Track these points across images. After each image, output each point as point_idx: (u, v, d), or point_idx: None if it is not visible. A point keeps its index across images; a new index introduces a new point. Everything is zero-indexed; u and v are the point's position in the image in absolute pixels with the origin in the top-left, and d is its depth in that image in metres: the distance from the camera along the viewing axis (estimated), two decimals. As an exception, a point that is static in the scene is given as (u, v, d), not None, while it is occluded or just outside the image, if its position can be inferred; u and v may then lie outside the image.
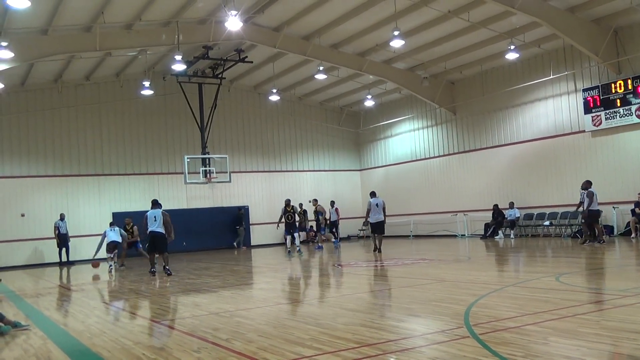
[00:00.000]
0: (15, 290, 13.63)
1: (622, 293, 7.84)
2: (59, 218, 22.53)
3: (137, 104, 25.93)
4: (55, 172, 24.51)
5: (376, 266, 14.75)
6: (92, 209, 24.83)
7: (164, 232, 14.58)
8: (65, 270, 20.27)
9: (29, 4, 13.79)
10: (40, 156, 24.30)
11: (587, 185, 16.86)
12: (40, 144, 24.30)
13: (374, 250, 18.57)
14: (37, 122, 24.28)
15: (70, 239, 22.78)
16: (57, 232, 22.22)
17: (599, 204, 17.01)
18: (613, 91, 19.49)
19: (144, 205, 24.48)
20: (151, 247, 14.82)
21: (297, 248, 20.52)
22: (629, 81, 19.08)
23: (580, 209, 17.25)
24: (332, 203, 26.05)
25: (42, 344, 6.78)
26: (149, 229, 14.60)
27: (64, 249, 22.36)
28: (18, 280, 17.00)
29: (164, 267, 14.68)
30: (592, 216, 16.64)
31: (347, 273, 13.62)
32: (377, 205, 18.30)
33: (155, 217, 14.60)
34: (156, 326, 7.76)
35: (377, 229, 18.50)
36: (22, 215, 23.66)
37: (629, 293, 7.80)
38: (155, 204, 15.07)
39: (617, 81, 19.46)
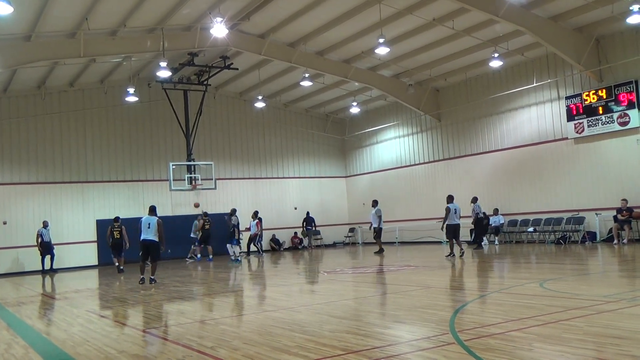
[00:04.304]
0: (-4, 299, 13.45)
1: (605, 299, 7.91)
2: (42, 226, 22.08)
3: (122, 110, 25.76)
4: (38, 179, 24.25)
5: (362, 273, 14.75)
6: (76, 217, 24.59)
7: (157, 240, 14.09)
8: (48, 278, 20.02)
9: (11, 9, 13.63)
10: (23, 163, 24.04)
11: (448, 200, 17.40)
12: (23, 150, 24.04)
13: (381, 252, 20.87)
14: (20, 129, 24.03)
15: (54, 246, 22.36)
16: (40, 240, 21.75)
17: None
18: (595, 99, 19.74)
19: (129, 212, 24.37)
20: (144, 255, 14.27)
21: (237, 257, 20.76)
22: (611, 89, 19.34)
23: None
24: (255, 214, 24.72)
25: (25, 354, 6.69)
26: (144, 237, 14.07)
27: (47, 257, 21.91)
28: (0, 288, 16.77)
29: (150, 276, 14.36)
30: (448, 230, 17.14)
31: (333, 280, 13.61)
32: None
33: (149, 224, 14.06)
34: (140, 334, 7.69)
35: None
36: (4, 222, 23.35)
37: (612, 299, 7.88)
38: (152, 210, 14.42)
39: (599, 89, 19.71)
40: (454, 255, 16.66)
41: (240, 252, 21.79)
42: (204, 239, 22.83)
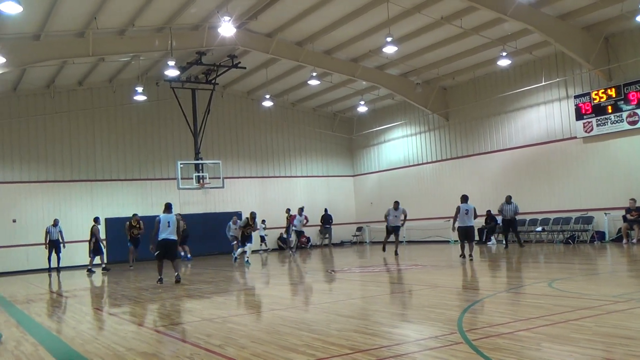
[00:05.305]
0: (6, 297, 13.54)
1: (614, 299, 7.87)
2: (51, 224, 21.77)
3: (130, 109, 25.88)
4: (47, 177, 24.41)
5: (369, 272, 14.74)
6: (85, 215, 24.63)
7: (176, 238, 13.72)
8: (55, 276, 20.03)
9: (21, 9, 13.72)
10: (33, 162, 24.19)
11: (461, 200, 16.34)
12: (33, 149, 24.20)
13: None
14: (30, 128, 24.19)
15: (65, 244, 22.04)
16: (47, 237, 21.51)
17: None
18: (604, 98, 19.63)
19: (137, 211, 24.40)
20: (162, 254, 13.74)
21: (246, 259, 19.67)
22: (620, 88, 19.22)
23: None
24: (301, 209, 23.98)
25: (34, 351, 6.73)
26: (162, 236, 13.52)
27: (55, 256, 21.65)
28: (9, 286, 16.89)
29: (176, 274, 13.81)
30: (459, 232, 16.06)
31: (340, 279, 13.61)
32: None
33: (169, 222, 13.56)
34: (149, 332, 7.72)
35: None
36: (14, 221, 23.51)
37: (621, 299, 7.83)
38: (169, 208, 13.89)
39: (608, 88, 19.59)
40: (464, 256, 15.86)
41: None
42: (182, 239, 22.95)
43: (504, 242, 20.72)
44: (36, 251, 23.02)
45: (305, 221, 23.87)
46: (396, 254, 19.07)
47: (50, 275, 20.32)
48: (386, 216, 19.57)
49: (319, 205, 29.18)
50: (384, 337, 6.38)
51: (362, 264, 17.88)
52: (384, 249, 20.04)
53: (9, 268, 22.90)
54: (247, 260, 19.49)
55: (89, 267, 20.66)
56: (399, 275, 13.44)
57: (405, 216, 19.58)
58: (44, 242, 21.57)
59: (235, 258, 20.25)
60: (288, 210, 25.20)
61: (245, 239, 19.58)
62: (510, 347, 5.39)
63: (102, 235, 24.69)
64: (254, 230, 19.90)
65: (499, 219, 21.98)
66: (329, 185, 30.89)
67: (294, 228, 23.95)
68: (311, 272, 16.36)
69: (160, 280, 13.88)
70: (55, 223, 21.46)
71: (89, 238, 20.76)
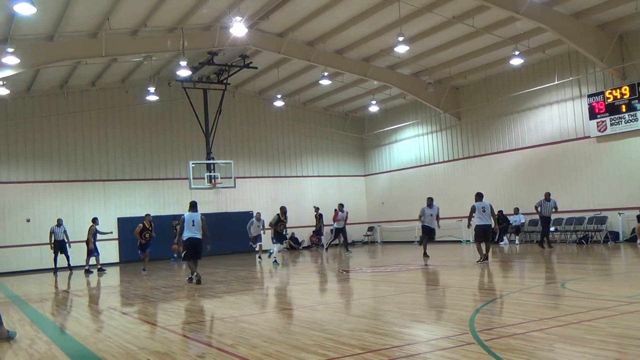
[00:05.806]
0: (20, 295, 13.66)
1: (628, 300, 7.81)
2: (55, 224, 21.24)
3: (143, 109, 26.03)
4: (60, 177, 24.60)
5: (381, 272, 14.72)
6: (97, 214, 24.61)
7: (201, 237, 13.50)
8: (59, 276, 19.91)
9: (35, 10, 13.85)
10: (46, 161, 24.39)
11: (475, 197, 15.38)
12: (46, 149, 24.40)
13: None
14: (43, 128, 24.40)
15: (71, 244, 21.94)
16: (52, 238, 21.03)
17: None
18: (618, 97, 19.46)
19: (149, 210, 24.50)
20: (190, 253, 13.57)
21: (274, 259, 19.06)
22: (635, 87, 19.04)
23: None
24: (341, 206, 23.40)
25: (48, 349, 6.79)
26: (189, 235, 13.37)
27: (62, 256, 21.49)
28: (23, 285, 17.04)
29: (190, 276, 13.77)
30: (477, 231, 14.98)
31: (352, 279, 13.60)
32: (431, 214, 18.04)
33: (193, 221, 13.36)
34: (161, 331, 7.76)
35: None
36: (28, 220, 23.72)
37: (635, 300, 7.77)
38: (194, 207, 13.66)
39: (622, 87, 19.42)
40: (486, 258, 14.66)
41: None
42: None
43: (540, 241, 19.21)
44: (49, 251, 23.14)
45: (346, 218, 23.31)
46: (425, 255, 17.72)
47: (56, 275, 20.19)
48: (420, 216, 18.05)
49: (330, 205, 29.10)
50: (395, 337, 6.37)
51: (373, 263, 17.85)
52: (425, 254, 17.80)
53: (23, 267, 23.11)
54: (275, 261, 18.90)
55: (100, 267, 20.78)
56: (410, 275, 13.41)
57: (438, 216, 18.09)
58: (49, 242, 21.47)
59: (275, 260, 18.97)
60: (317, 209, 25.15)
61: (277, 236, 18.90)
62: (522, 348, 5.36)
63: (115, 234, 24.93)
64: (286, 226, 19.22)
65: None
66: (340, 185, 30.87)
67: (336, 225, 23.24)
68: (323, 272, 16.36)
69: (198, 277, 13.56)
70: (59, 223, 21.02)
71: (86, 238, 20.78)
